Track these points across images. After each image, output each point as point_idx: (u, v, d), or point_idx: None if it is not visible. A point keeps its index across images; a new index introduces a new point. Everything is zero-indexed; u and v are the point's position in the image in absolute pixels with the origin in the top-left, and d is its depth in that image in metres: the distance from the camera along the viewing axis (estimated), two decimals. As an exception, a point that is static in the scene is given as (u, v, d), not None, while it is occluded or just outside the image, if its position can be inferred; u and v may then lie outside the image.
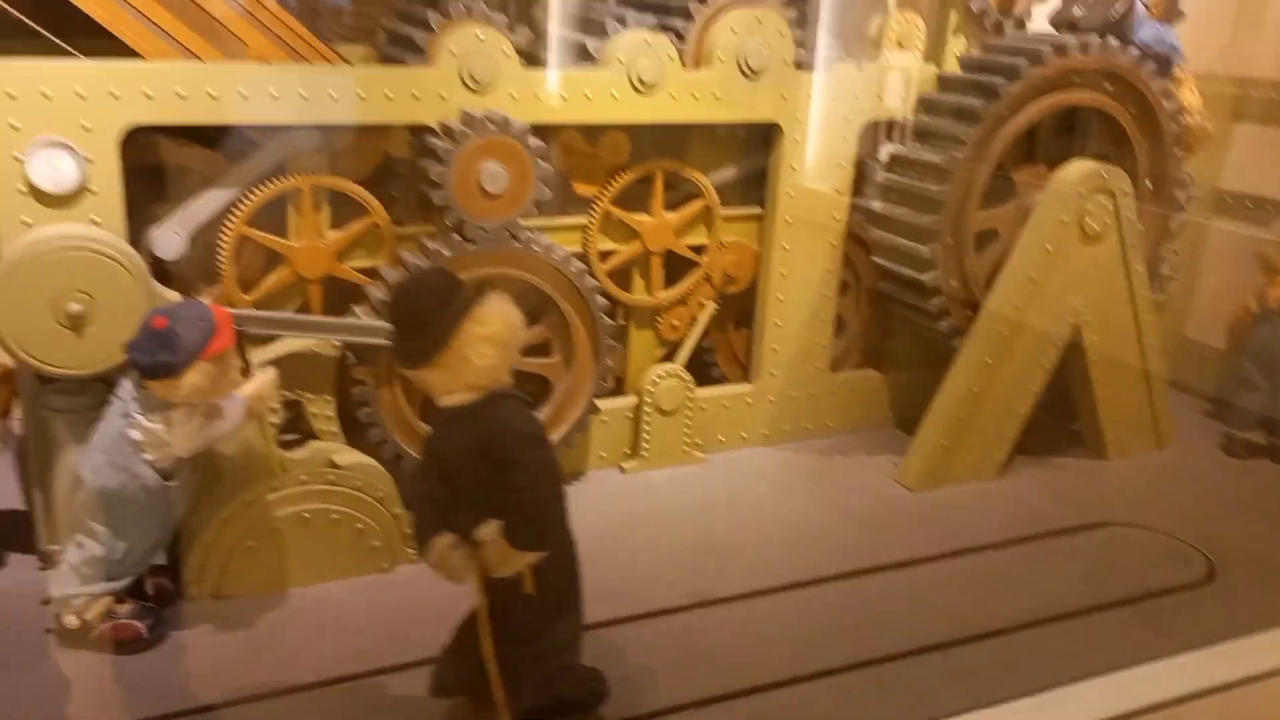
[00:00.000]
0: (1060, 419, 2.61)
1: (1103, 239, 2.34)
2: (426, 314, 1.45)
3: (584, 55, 2.18)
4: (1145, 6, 2.56)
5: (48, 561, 1.85)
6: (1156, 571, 2.10)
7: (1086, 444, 2.57)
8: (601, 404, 2.35)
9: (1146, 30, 2.45)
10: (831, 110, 2.35)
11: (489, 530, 1.43)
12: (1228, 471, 2.56)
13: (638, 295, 2.37)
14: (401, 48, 2.09)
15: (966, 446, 2.38)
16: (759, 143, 2.39)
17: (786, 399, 2.53)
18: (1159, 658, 1.70)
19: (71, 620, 1.68)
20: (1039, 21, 2.58)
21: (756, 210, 2.42)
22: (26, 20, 1.88)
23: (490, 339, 1.46)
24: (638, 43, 2.12)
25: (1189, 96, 2.50)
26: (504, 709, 1.52)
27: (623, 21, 2.18)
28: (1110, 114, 2.39)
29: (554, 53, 2.28)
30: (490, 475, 1.44)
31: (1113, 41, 2.34)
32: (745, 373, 2.53)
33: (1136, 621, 1.92)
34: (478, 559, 1.44)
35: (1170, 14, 2.67)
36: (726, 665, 1.74)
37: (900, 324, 2.60)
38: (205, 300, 1.75)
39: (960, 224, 2.32)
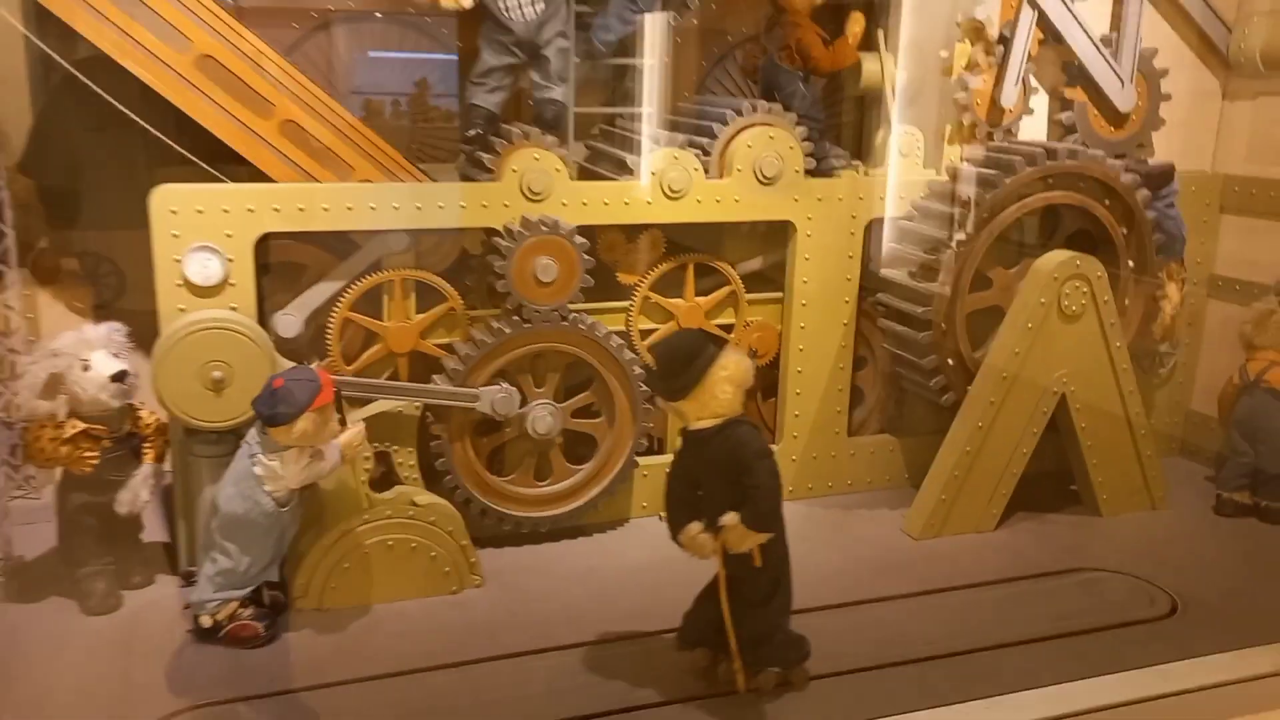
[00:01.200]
0: (1063, 480, 2.90)
1: (1081, 318, 2.65)
2: (686, 360, 1.96)
3: (624, 169, 2.63)
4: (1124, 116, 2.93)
5: (187, 580, 2.31)
6: (1122, 609, 2.36)
7: (1083, 503, 2.86)
8: (642, 460, 2.75)
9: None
10: (839, 210, 2.74)
11: (731, 518, 1.91)
12: (1214, 528, 2.81)
13: (675, 368, 2.78)
14: (476, 167, 2.56)
15: (964, 500, 2.69)
16: (779, 238, 2.79)
17: (808, 460, 2.87)
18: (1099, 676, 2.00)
19: (206, 620, 2.12)
20: (1029, 130, 2.95)
21: (778, 295, 2.82)
22: (185, 152, 2.42)
23: (730, 380, 1.96)
24: (667, 157, 2.56)
25: (1173, 291, 2.84)
26: (736, 657, 2.01)
27: (657, 141, 2.63)
28: (1088, 210, 2.73)
29: (600, 167, 2.74)
30: (732, 478, 1.94)
31: (1088, 150, 2.71)
32: (772, 436, 2.90)
33: (1095, 648, 2.19)
34: (720, 540, 1.94)
35: (1152, 123, 3.01)
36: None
37: (913, 395, 2.94)
38: (314, 366, 2.21)
39: (953, 311, 2.67)
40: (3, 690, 1.95)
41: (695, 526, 1.94)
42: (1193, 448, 3.15)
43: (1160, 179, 2.78)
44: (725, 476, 1.94)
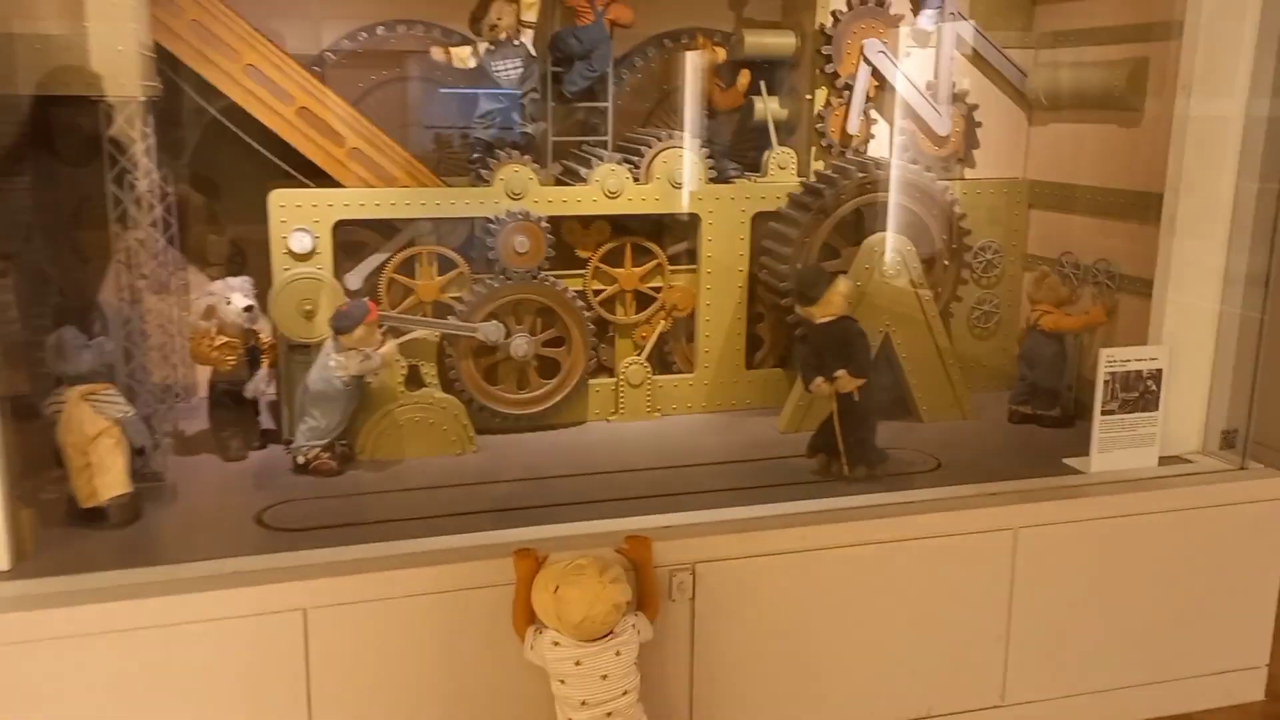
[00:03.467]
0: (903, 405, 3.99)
1: (897, 278, 3.77)
2: (818, 280, 3.27)
3: (578, 178, 3.83)
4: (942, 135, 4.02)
5: (287, 445, 3.52)
6: (903, 464, 3.45)
7: (911, 414, 3.96)
8: (594, 382, 3.93)
9: None
10: (732, 207, 3.90)
11: (842, 372, 3.17)
12: (999, 428, 3.84)
13: (619, 317, 3.95)
14: (479, 179, 3.76)
15: (814, 407, 3.81)
16: (691, 227, 3.95)
17: (716, 385, 3.98)
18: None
19: (300, 459, 3.28)
20: (877, 149, 4.06)
21: (693, 267, 3.97)
22: (288, 169, 3.65)
23: (840, 293, 3.24)
24: (607, 171, 3.75)
25: None
26: (844, 457, 3.21)
27: (601, 159, 3.82)
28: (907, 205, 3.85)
29: (567, 178, 3.93)
30: (841, 348, 3.21)
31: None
32: (690, 366, 4.06)
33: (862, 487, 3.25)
34: (834, 386, 3.19)
35: (971, 143, 4.12)
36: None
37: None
38: (365, 300, 3.42)
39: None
40: (178, 501, 3.19)
41: (819, 379, 3.20)
42: (1013, 381, 4.22)
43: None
44: (837, 348, 3.21)
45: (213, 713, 2.52)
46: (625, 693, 2.42)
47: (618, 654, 2.42)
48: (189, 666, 2.48)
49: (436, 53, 3.59)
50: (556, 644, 2.42)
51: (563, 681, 2.43)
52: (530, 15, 3.53)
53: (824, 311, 3.27)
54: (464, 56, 3.58)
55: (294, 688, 2.56)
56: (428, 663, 2.63)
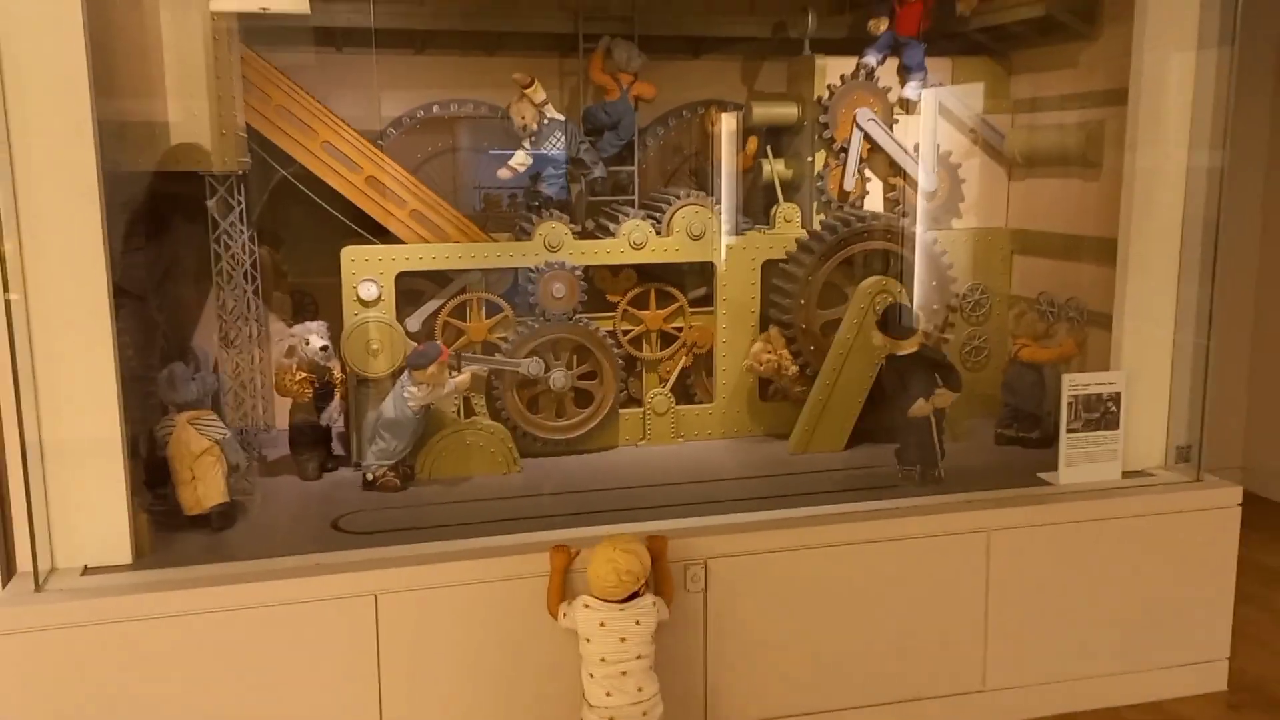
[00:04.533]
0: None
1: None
2: (904, 318, 3.85)
3: (608, 232, 4.36)
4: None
5: (357, 467, 4.04)
6: (889, 479, 3.88)
7: (907, 437, 4.39)
8: (623, 411, 4.43)
9: None
10: (744, 255, 4.40)
11: (942, 389, 3.72)
12: (985, 448, 4.30)
13: (645, 354, 4.46)
14: (523, 233, 4.31)
15: (821, 430, 4.23)
16: (708, 273, 4.46)
17: (732, 413, 4.45)
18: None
19: (369, 475, 3.81)
20: (872, 203, 4.56)
21: (710, 308, 4.47)
22: (356, 228, 4.21)
23: (922, 330, 3.82)
24: (632, 226, 4.27)
25: None
26: (940, 464, 3.78)
27: (628, 215, 4.35)
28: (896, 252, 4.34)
29: (598, 232, 4.45)
30: (936, 369, 3.74)
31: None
32: (710, 397, 4.54)
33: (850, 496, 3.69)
34: (933, 403, 3.70)
35: (957, 197, 4.61)
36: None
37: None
38: (439, 343, 3.94)
39: (809, 315, 4.28)
40: (266, 511, 3.71)
41: (921, 402, 3.70)
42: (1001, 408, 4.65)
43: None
44: (926, 372, 3.74)
45: (299, 681, 3.01)
46: (639, 657, 2.90)
47: (637, 623, 2.90)
48: (280, 641, 2.98)
49: (503, 173, 4.14)
50: (588, 606, 2.93)
51: (588, 640, 2.91)
52: (540, 96, 4.07)
53: (911, 346, 3.82)
54: (522, 160, 4.13)
55: (368, 660, 3.05)
56: (478, 639, 3.11)
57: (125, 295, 3.30)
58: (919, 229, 4.36)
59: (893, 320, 3.87)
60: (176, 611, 2.91)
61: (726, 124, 4.47)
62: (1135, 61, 3.65)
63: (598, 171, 4.25)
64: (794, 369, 4.25)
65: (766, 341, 4.28)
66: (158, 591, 2.93)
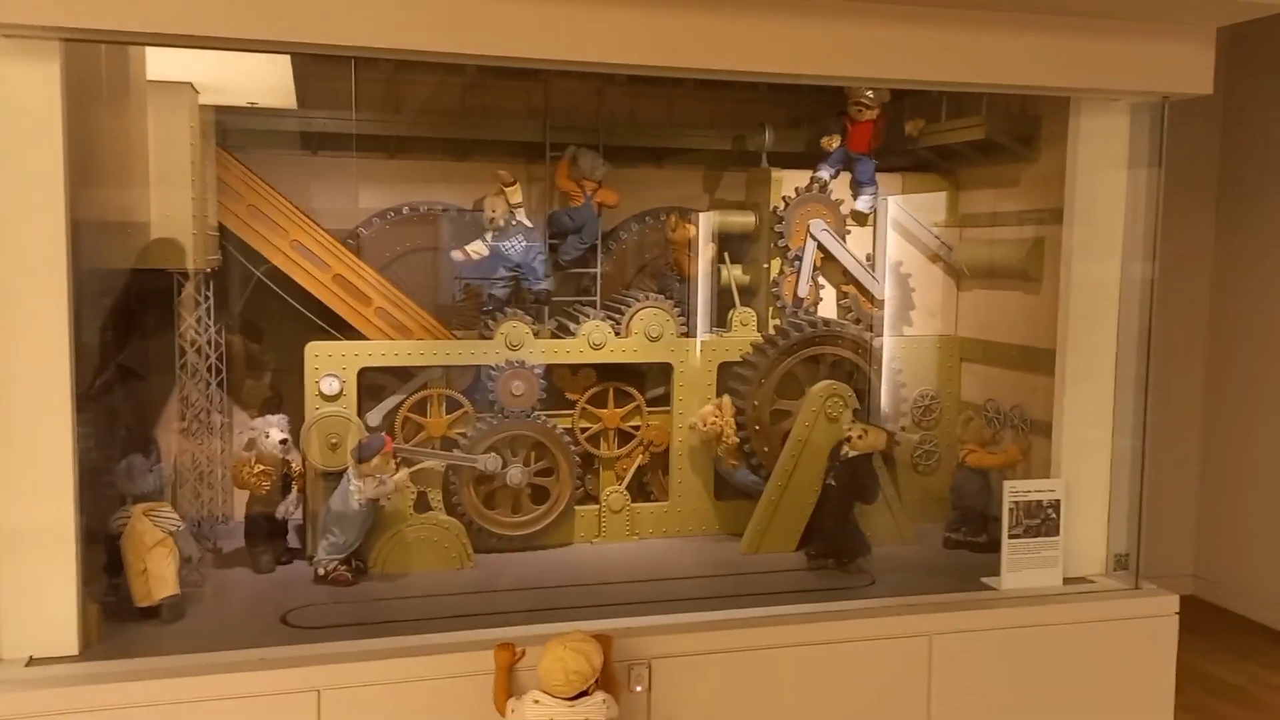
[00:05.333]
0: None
1: (839, 419, 4.36)
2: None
3: (568, 332, 4.48)
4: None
5: (311, 560, 4.08)
6: (836, 582, 3.97)
7: (858, 539, 4.47)
8: (580, 508, 4.49)
9: None
10: (702, 357, 4.53)
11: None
12: (935, 551, 4.37)
13: (603, 452, 4.55)
14: (485, 332, 4.42)
15: (773, 532, 4.28)
16: (666, 373, 4.58)
17: (687, 511, 4.50)
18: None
19: (320, 570, 3.84)
20: (825, 309, 4.71)
21: (667, 408, 4.58)
22: (322, 324, 4.32)
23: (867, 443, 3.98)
24: (592, 326, 4.40)
25: None
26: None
27: (588, 316, 4.48)
28: (845, 357, 4.48)
29: (560, 332, 4.58)
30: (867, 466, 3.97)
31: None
32: (665, 495, 4.61)
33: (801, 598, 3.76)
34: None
35: (908, 304, 4.77)
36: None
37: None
38: (383, 435, 4.03)
39: (761, 415, 4.41)
40: (217, 603, 3.74)
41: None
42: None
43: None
44: (863, 465, 4.05)
45: (240, 776, 3.01)
46: None
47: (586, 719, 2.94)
48: (223, 735, 3.00)
49: (457, 254, 4.29)
50: (538, 702, 2.97)
51: None
52: (517, 198, 4.23)
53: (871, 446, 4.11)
54: (478, 248, 4.28)
55: (309, 756, 3.05)
56: (421, 737, 3.13)
57: (90, 394, 3.39)
58: (870, 336, 4.50)
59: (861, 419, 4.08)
60: (117, 704, 2.93)
61: (685, 232, 4.62)
62: (1069, 182, 3.85)
63: (545, 284, 4.37)
64: (734, 439, 4.35)
65: (717, 407, 4.38)
66: (99, 684, 2.94)
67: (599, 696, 3.03)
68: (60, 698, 2.90)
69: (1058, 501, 3.80)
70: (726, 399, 4.39)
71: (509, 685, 3.10)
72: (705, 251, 4.63)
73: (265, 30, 2.85)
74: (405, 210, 4.56)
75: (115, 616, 3.38)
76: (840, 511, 4.03)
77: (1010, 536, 3.77)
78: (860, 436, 4.04)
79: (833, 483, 4.06)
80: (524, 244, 4.32)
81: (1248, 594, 5.63)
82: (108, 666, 3.06)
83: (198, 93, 3.84)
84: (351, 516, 3.85)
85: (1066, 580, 3.85)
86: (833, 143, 4.53)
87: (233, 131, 4.12)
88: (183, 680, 2.99)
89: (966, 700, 3.57)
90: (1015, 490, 3.77)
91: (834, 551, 4.04)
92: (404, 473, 3.96)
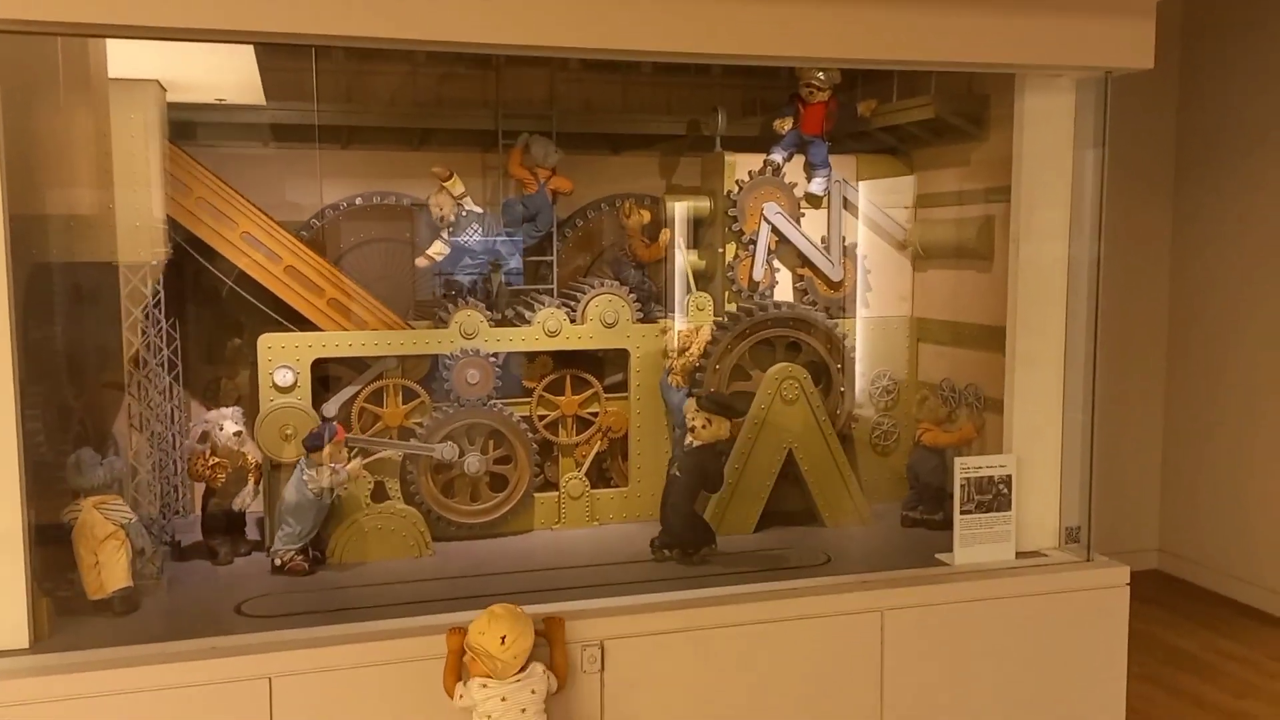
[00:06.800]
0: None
1: (796, 402, 4.37)
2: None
3: (524, 320, 4.49)
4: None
5: (269, 551, 4.08)
6: (799, 559, 4.00)
7: (816, 519, 4.50)
8: (539, 495, 4.50)
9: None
10: (657, 343, 4.53)
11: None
12: (892, 531, 4.41)
13: (561, 439, 4.56)
14: (440, 322, 4.43)
15: (731, 513, 4.32)
16: (623, 360, 4.60)
17: (646, 496, 4.50)
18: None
19: (277, 560, 3.84)
20: (782, 293, 4.73)
21: (625, 394, 4.59)
22: (276, 316, 4.32)
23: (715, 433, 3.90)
24: (547, 314, 4.41)
25: None
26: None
27: (543, 304, 4.49)
28: (800, 339, 4.51)
29: (510, 318, 4.58)
30: (712, 456, 3.84)
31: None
32: (625, 480, 4.63)
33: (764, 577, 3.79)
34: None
35: (864, 286, 4.79)
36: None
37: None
38: (335, 423, 4.02)
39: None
40: (171, 595, 3.74)
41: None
42: (911, 493, 4.76)
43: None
44: (710, 453, 3.96)
45: (191, 764, 3.02)
46: None
47: (533, 691, 3.02)
48: (173, 724, 3.00)
49: (421, 261, 4.30)
50: (485, 685, 3.01)
51: (490, 716, 2.98)
52: (459, 189, 4.24)
53: (715, 435, 4.00)
54: (440, 250, 4.29)
55: (261, 745, 3.07)
56: (373, 722, 3.14)
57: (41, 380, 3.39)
58: (826, 318, 4.53)
59: (725, 403, 3.99)
60: (65, 695, 2.93)
61: (640, 218, 4.63)
62: (1016, 161, 3.87)
63: (515, 262, 4.39)
64: (695, 361, 4.35)
65: (696, 329, 4.40)
66: (47, 676, 2.94)
67: (538, 666, 3.09)
68: (8, 690, 2.90)
69: (1009, 477, 3.83)
70: (707, 328, 4.41)
71: (459, 669, 3.11)
72: (663, 238, 4.64)
73: (204, 19, 2.84)
74: (358, 201, 4.55)
75: (69, 610, 3.38)
76: (685, 502, 3.93)
77: (962, 512, 3.80)
78: (704, 426, 3.90)
79: (677, 473, 3.96)
80: (480, 231, 4.32)
81: (1211, 567, 5.68)
82: (56, 659, 3.06)
83: (165, 90, 3.84)
84: (305, 506, 3.85)
85: (1019, 555, 3.88)
86: (785, 125, 4.54)
87: (181, 124, 4.11)
88: (131, 670, 3.00)
89: (919, 675, 3.60)
90: (966, 467, 3.80)
91: (678, 542, 3.94)
92: (357, 462, 3.97)
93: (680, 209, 4.68)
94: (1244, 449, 5.62)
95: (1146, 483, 6.04)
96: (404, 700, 3.15)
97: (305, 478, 3.82)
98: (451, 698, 3.07)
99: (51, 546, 3.45)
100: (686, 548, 3.98)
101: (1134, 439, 5.97)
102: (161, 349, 3.94)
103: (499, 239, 4.36)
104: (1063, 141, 3.87)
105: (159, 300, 3.91)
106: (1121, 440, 5.87)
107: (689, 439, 4.00)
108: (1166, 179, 5.96)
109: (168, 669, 3.02)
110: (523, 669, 3.01)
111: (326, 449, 3.80)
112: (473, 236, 4.34)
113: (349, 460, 3.92)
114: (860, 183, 4.71)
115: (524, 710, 2.99)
